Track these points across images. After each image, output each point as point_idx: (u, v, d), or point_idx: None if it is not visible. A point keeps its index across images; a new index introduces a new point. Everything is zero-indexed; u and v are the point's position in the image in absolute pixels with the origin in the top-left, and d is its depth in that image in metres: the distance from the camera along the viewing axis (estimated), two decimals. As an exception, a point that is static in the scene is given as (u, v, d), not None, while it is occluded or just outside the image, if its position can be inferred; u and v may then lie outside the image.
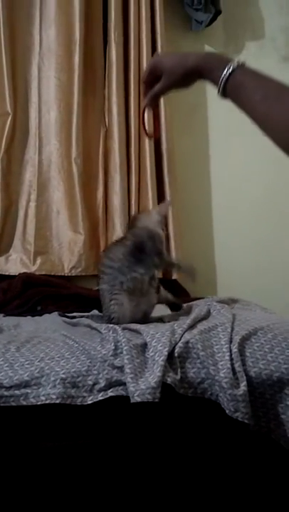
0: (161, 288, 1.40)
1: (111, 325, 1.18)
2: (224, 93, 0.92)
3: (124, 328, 1.16)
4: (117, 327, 1.14)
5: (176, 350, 1.04)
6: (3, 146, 2.12)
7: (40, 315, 1.75)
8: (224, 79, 0.91)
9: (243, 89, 0.90)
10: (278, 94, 0.86)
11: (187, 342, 1.05)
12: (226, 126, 2.38)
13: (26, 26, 2.19)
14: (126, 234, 1.40)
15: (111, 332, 1.13)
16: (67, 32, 2.16)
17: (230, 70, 0.90)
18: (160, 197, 2.24)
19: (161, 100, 2.19)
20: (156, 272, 1.36)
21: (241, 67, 0.91)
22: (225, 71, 0.91)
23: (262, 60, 2.41)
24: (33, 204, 2.17)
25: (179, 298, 2.05)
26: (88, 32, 2.19)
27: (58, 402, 0.98)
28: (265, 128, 0.88)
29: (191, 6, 2.28)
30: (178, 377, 1.01)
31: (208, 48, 2.42)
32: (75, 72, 2.15)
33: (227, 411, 0.97)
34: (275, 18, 2.47)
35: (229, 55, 2.40)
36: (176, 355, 1.03)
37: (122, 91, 2.18)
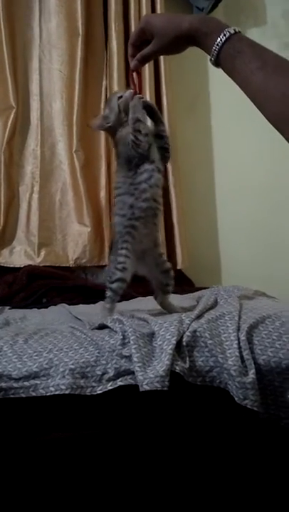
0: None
1: (116, 316, 1.16)
2: (218, 60, 0.88)
3: (131, 317, 1.16)
4: (122, 318, 1.14)
5: (184, 339, 1.04)
6: (5, 139, 2.11)
7: (46, 307, 1.76)
8: (220, 44, 0.86)
9: (240, 56, 0.85)
10: (277, 65, 0.82)
11: (195, 331, 1.05)
12: (228, 111, 2.37)
13: (26, 19, 2.20)
14: None
15: (117, 323, 1.12)
16: (68, 24, 2.16)
17: (228, 36, 0.86)
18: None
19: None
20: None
21: (238, 34, 0.86)
22: (221, 36, 0.86)
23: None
24: (36, 196, 2.18)
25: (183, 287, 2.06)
26: (89, 23, 2.19)
27: (67, 392, 0.98)
28: (258, 98, 0.84)
29: (192, -8, 2.27)
30: (186, 365, 1.01)
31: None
32: (77, 64, 2.15)
33: (236, 399, 0.97)
34: (277, 4, 2.46)
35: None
36: (184, 344, 1.03)
37: (123, 81, 2.17)
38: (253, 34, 2.43)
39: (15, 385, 1.00)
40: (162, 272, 1.27)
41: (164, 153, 1.27)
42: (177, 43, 0.96)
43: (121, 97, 1.22)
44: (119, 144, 1.25)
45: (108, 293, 1.23)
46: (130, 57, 1.08)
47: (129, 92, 1.21)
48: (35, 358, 1.03)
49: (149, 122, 1.25)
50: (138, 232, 1.22)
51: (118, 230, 1.23)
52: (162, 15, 0.99)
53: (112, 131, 1.25)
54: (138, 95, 1.20)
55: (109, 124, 1.23)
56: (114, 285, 1.21)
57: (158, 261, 1.27)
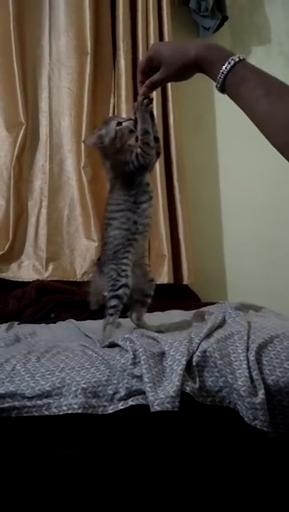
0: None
1: (127, 335, 1.18)
2: (223, 87, 0.90)
3: (141, 335, 1.17)
4: (133, 337, 1.15)
5: (194, 359, 1.05)
6: (15, 154, 2.15)
7: (54, 322, 1.77)
8: (225, 72, 0.89)
9: (245, 84, 0.87)
10: (281, 92, 0.84)
11: (205, 351, 1.07)
12: (233, 128, 2.38)
13: (36, 37, 2.23)
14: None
15: (128, 342, 1.14)
16: (77, 43, 2.20)
17: (232, 64, 0.88)
18: (170, 200, 2.27)
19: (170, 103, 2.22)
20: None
21: (243, 61, 0.89)
22: (226, 64, 0.89)
23: (268, 64, 2.40)
24: (44, 211, 2.21)
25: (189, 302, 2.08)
26: (97, 42, 2.22)
27: (79, 411, 0.99)
28: (263, 125, 0.86)
29: (198, 12, 2.31)
30: (196, 386, 1.02)
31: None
32: (85, 82, 2.19)
33: (246, 419, 0.98)
34: (281, 23, 2.50)
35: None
36: (194, 364, 1.05)
37: (131, 99, 2.20)
38: (258, 52, 2.47)
39: (28, 403, 1.01)
40: (148, 282, 1.35)
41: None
42: (184, 70, 0.99)
43: (120, 123, 1.24)
44: (116, 169, 1.28)
45: (112, 302, 1.25)
46: (139, 84, 1.11)
47: (129, 122, 1.24)
48: (48, 376, 1.05)
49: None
50: (138, 244, 1.29)
51: (119, 242, 1.28)
52: (170, 43, 1.02)
53: (103, 151, 1.29)
54: (146, 100, 1.20)
55: (103, 145, 1.26)
56: (120, 291, 1.25)
57: (145, 271, 1.35)
